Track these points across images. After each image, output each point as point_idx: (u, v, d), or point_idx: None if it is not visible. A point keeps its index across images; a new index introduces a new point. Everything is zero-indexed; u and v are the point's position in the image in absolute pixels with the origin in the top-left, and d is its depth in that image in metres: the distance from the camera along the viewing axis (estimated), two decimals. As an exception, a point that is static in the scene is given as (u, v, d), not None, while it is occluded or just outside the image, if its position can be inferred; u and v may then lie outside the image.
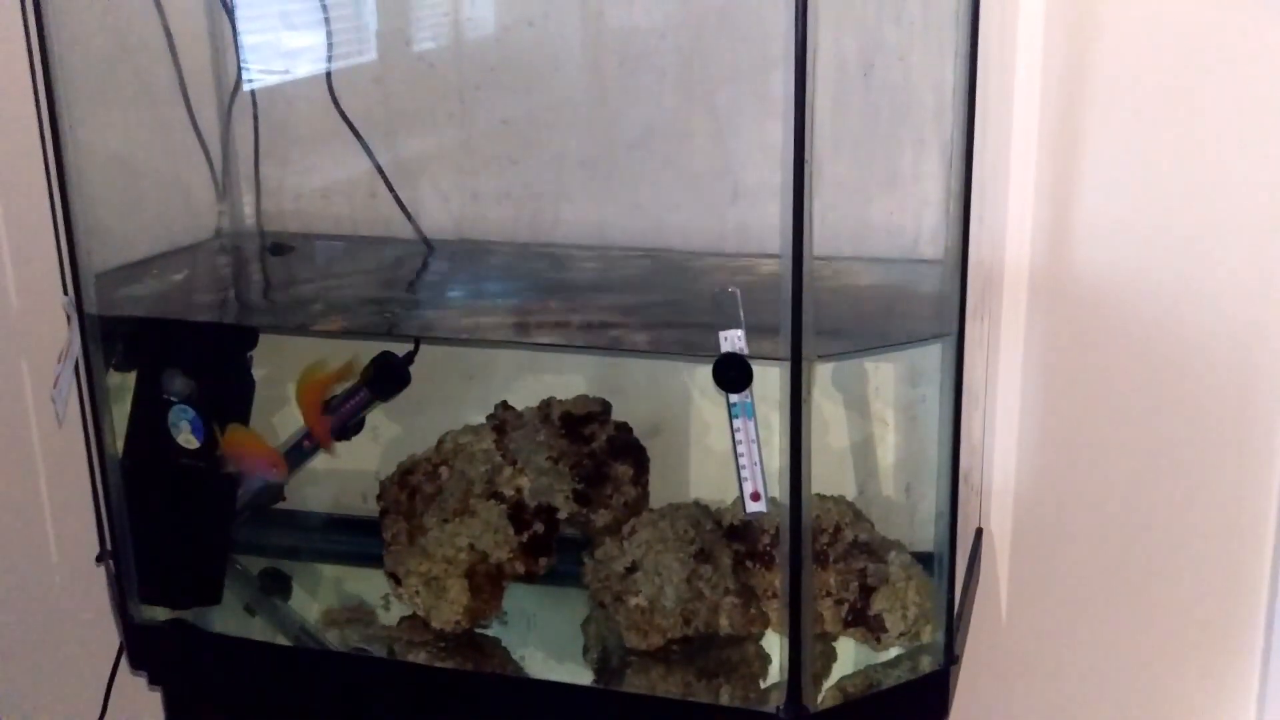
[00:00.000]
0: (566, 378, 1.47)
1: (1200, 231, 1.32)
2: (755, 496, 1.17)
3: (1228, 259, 1.32)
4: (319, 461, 1.50)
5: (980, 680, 1.48)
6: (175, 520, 1.37)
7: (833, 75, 1.31)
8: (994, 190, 1.32)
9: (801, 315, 1.05)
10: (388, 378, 1.43)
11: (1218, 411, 1.36)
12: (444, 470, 1.41)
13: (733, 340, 1.12)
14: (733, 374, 1.12)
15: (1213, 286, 1.33)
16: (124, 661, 1.42)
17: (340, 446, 1.49)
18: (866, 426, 1.40)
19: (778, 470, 1.11)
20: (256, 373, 1.43)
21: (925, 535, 1.26)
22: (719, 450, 1.44)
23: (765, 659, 1.28)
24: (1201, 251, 1.32)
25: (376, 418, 1.52)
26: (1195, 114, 1.29)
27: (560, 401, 1.43)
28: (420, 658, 1.30)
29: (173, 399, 1.33)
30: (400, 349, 1.42)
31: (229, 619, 1.40)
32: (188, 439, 1.33)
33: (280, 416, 1.54)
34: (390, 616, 1.39)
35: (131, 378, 1.36)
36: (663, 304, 1.40)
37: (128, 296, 1.39)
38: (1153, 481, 1.40)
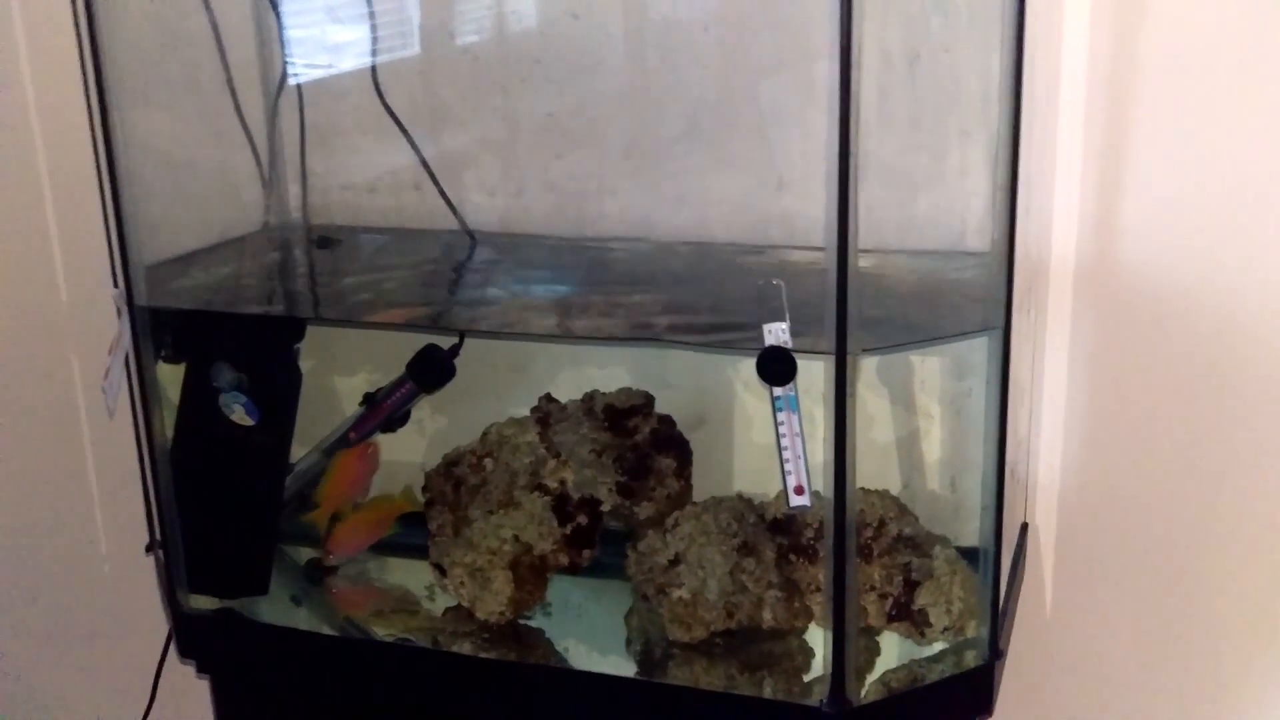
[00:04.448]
0: (610, 370, 1.47)
1: (1248, 224, 1.30)
2: (799, 490, 1.16)
3: (1276, 252, 1.30)
4: (364, 453, 1.52)
5: (1025, 675, 1.47)
6: (224, 510, 1.38)
7: (877, 66, 1.30)
8: (1040, 182, 1.31)
9: (846, 308, 1.05)
10: (433, 370, 1.43)
11: (1264, 406, 1.34)
12: (488, 462, 1.42)
13: (776, 333, 1.11)
14: (777, 367, 1.11)
15: (1261, 280, 1.31)
16: (173, 650, 1.44)
17: (386, 439, 1.50)
18: (911, 420, 1.39)
19: (821, 464, 1.11)
20: (304, 364, 1.44)
21: (970, 529, 1.25)
22: (762, 443, 1.43)
23: (808, 653, 1.28)
24: (1249, 244, 1.31)
25: (422, 410, 1.53)
26: (1244, 105, 1.28)
27: (603, 394, 1.43)
28: (464, 648, 1.31)
29: (221, 391, 1.34)
30: (445, 342, 1.43)
31: (276, 609, 1.42)
32: (242, 418, 1.34)
33: (327, 408, 1.55)
34: (435, 607, 1.39)
35: (181, 370, 1.37)
36: (706, 296, 1.39)
37: (177, 289, 1.40)
38: (1199, 476, 1.38)
